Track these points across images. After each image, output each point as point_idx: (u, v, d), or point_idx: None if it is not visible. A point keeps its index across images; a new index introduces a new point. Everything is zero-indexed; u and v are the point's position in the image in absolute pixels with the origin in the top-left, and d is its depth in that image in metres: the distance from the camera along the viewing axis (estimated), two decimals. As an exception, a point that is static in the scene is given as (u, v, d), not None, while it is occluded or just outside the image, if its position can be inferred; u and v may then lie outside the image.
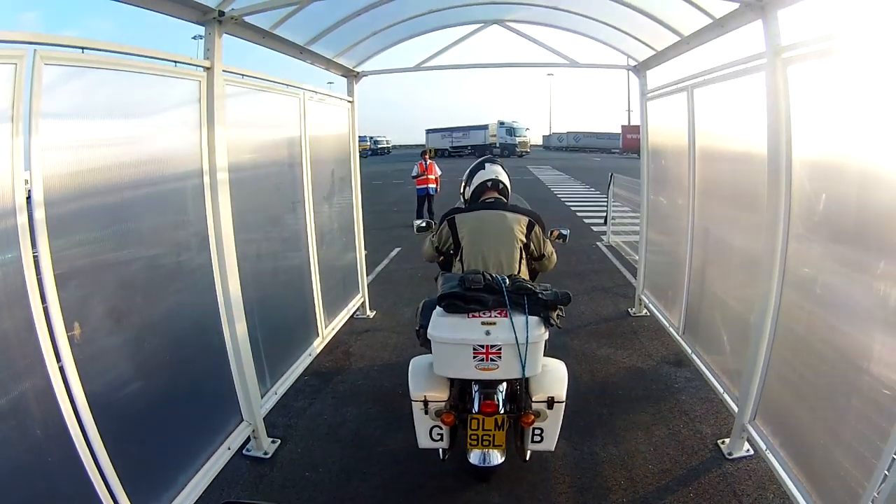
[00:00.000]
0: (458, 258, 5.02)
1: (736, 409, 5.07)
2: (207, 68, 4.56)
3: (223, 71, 4.69)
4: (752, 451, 4.97)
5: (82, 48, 3.35)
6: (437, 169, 18.54)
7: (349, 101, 8.52)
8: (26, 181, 2.97)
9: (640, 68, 8.13)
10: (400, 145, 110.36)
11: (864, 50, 3.47)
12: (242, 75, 5.22)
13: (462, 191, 5.70)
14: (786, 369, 4.37)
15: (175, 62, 4.26)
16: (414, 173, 18.63)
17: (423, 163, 18.42)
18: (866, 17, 3.41)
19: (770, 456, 4.41)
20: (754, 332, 4.62)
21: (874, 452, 3.20)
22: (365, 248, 9.34)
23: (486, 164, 5.57)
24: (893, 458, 3.08)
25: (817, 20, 4.03)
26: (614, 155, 71.33)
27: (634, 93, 8.59)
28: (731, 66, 5.21)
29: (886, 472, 3.11)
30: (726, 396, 5.46)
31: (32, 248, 2.97)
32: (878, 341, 3.32)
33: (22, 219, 2.92)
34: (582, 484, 4.73)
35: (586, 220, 19.19)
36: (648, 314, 8.62)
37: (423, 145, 66.53)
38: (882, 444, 3.14)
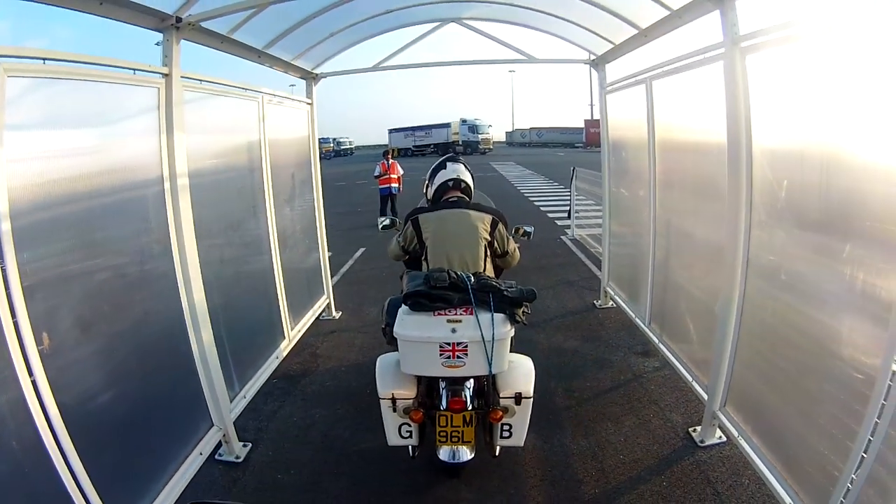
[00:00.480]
0: (424, 257, 5.07)
1: (706, 396, 5.16)
2: (166, 75, 4.54)
3: (181, 77, 4.68)
4: (724, 438, 5.07)
5: (43, 59, 3.35)
6: (399, 168, 18.64)
7: (308, 104, 8.52)
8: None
9: (599, 62, 8.21)
10: (363, 146, 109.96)
11: (822, 37, 3.54)
12: (200, 80, 5.21)
13: (425, 190, 5.74)
14: (754, 356, 4.48)
15: (134, 70, 4.26)
16: (376, 173, 18.76)
17: (386, 162, 18.57)
18: (824, 4, 3.50)
19: (742, 442, 4.50)
20: (720, 319, 4.72)
21: (849, 435, 3.26)
22: (329, 250, 9.36)
23: (448, 163, 5.60)
24: (870, 440, 3.12)
25: (775, 8, 4.09)
26: (578, 149, 71.59)
27: (596, 87, 8.66)
28: (689, 56, 5.28)
29: (864, 454, 3.16)
30: (695, 385, 5.56)
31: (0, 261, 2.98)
32: (845, 324, 3.40)
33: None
34: (553, 477, 4.80)
35: (550, 215, 19.31)
36: (615, 305, 8.73)
37: (386, 145, 66.41)
38: (857, 426, 3.20)
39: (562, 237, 15.23)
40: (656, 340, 6.68)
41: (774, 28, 3.96)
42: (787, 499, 3.88)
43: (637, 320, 7.40)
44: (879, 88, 3.12)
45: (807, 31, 3.67)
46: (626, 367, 6.83)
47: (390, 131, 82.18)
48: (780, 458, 4.05)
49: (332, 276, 9.70)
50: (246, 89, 6.40)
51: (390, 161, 18.66)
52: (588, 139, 71.38)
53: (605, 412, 5.77)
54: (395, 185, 18.30)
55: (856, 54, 3.29)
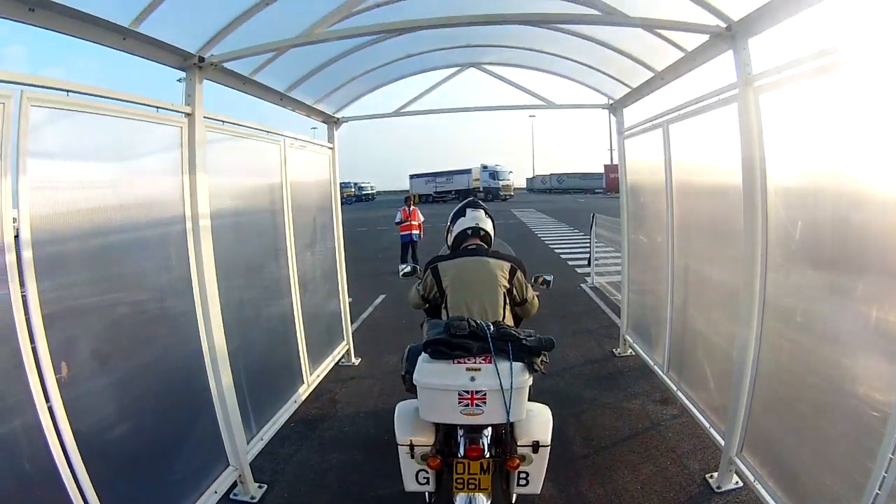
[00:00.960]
0: (444, 305, 5.07)
1: (723, 442, 5.10)
2: (188, 114, 4.64)
3: (204, 117, 4.77)
4: (740, 484, 4.98)
5: (67, 91, 3.44)
6: (420, 215, 18.65)
7: (330, 148, 8.61)
8: (14, 219, 3.02)
9: (617, 106, 8.26)
10: (384, 191, 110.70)
11: (835, 73, 3.55)
12: (223, 122, 5.30)
13: (446, 236, 5.77)
14: (771, 399, 4.42)
15: (157, 108, 4.34)
16: (397, 219, 18.73)
17: (407, 209, 18.54)
18: (836, 40, 3.51)
19: (759, 487, 4.43)
20: (737, 364, 4.68)
21: (864, 473, 3.23)
22: (350, 296, 9.37)
23: (468, 210, 5.62)
24: (884, 477, 3.10)
25: (787, 47, 4.11)
26: (598, 195, 71.77)
27: (615, 131, 8.69)
28: (703, 99, 5.30)
29: (878, 491, 3.13)
30: (713, 431, 5.49)
31: (21, 288, 3.02)
32: (861, 363, 3.38)
33: (10, 257, 2.98)
34: (570, 524, 4.72)
35: (570, 263, 19.24)
36: (633, 353, 8.63)
37: (407, 191, 66.85)
38: (870, 463, 3.18)
39: (581, 285, 15.07)
40: (674, 388, 6.61)
41: (785, 66, 3.98)
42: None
43: (655, 367, 7.33)
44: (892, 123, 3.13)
45: (818, 68, 3.67)
46: (644, 415, 6.75)
47: (411, 177, 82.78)
48: (796, 500, 3.98)
49: (352, 323, 9.68)
50: (268, 132, 6.48)
51: (411, 207, 18.64)
52: (608, 185, 71.49)
53: (623, 460, 5.69)
54: (415, 231, 18.31)
55: (868, 88, 3.31)
